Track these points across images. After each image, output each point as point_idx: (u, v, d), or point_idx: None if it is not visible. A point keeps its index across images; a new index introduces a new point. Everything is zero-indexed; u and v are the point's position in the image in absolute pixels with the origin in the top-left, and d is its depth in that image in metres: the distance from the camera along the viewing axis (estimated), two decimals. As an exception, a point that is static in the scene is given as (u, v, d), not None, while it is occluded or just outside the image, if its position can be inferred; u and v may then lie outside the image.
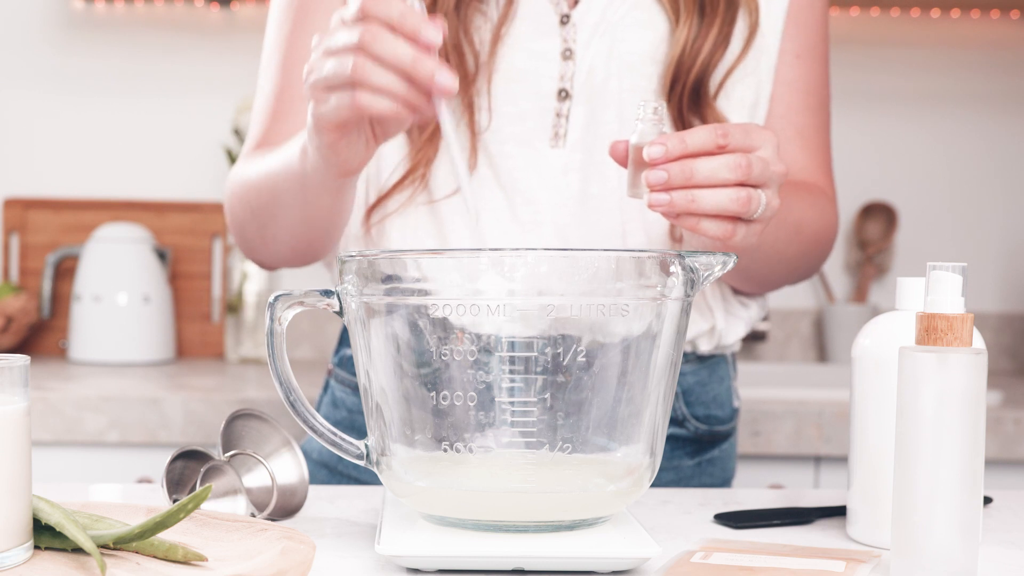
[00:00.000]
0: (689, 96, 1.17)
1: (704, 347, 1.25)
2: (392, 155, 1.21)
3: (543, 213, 1.18)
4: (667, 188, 0.93)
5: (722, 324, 1.24)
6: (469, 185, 0.96)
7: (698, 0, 1.17)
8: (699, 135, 0.93)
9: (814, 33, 1.25)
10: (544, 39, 1.18)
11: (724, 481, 1.32)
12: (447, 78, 0.90)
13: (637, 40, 1.18)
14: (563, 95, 1.18)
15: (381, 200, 1.21)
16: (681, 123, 1.18)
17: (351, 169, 1.02)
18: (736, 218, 0.96)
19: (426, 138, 1.18)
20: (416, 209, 1.20)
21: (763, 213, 0.96)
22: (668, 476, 1.25)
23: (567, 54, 1.18)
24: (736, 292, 1.26)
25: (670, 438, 1.24)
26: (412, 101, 0.91)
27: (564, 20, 1.19)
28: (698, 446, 1.28)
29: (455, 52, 1.16)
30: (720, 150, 0.94)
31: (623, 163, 0.99)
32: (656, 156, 0.93)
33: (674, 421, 1.25)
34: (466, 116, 1.18)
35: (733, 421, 1.32)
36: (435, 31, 0.90)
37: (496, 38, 1.17)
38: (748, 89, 1.21)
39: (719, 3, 1.17)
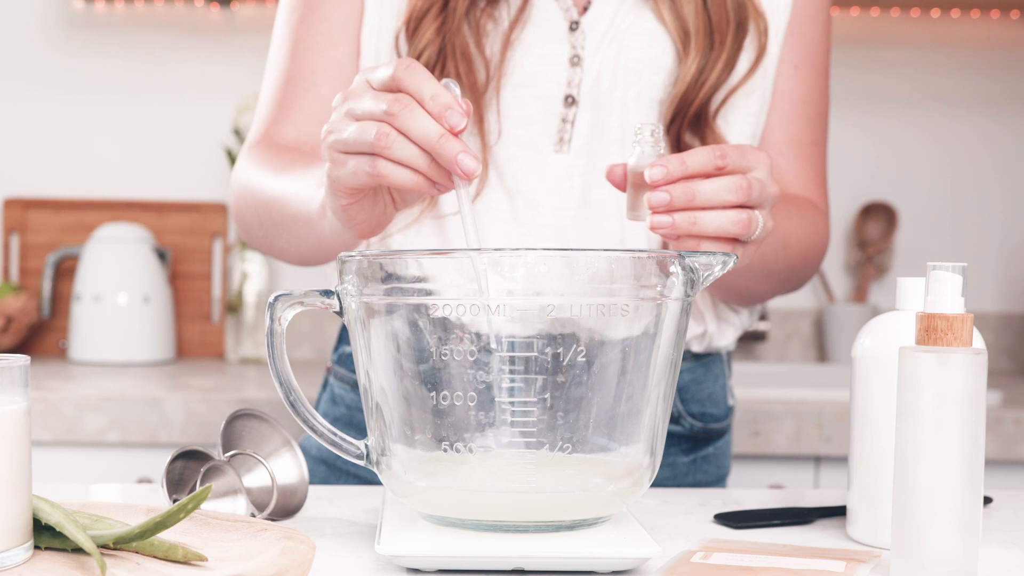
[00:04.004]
0: (691, 118, 1.17)
1: (696, 348, 1.26)
2: None
3: (545, 216, 1.18)
4: (669, 210, 0.93)
5: (713, 328, 1.25)
6: (481, 263, 0.89)
7: (707, 31, 1.17)
8: (698, 156, 0.94)
9: (814, 45, 1.25)
10: (553, 44, 1.18)
11: (719, 478, 1.32)
12: (470, 162, 0.88)
13: (644, 48, 1.18)
14: (569, 101, 1.18)
15: None
16: (678, 142, 1.18)
17: (368, 232, 1.01)
18: (735, 240, 0.96)
19: None
20: (420, 222, 1.21)
21: (759, 234, 0.97)
22: (663, 473, 1.26)
23: (575, 60, 1.18)
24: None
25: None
26: (432, 177, 0.90)
27: (573, 27, 1.19)
28: (693, 443, 1.28)
29: (464, 61, 1.16)
30: (719, 171, 0.94)
31: (621, 187, 0.99)
32: (658, 178, 0.93)
33: (670, 418, 1.26)
34: (476, 128, 1.18)
35: (728, 419, 1.33)
36: (461, 117, 0.88)
37: (507, 43, 1.17)
38: (753, 104, 1.21)
39: (727, 35, 1.17)
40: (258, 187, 1.18)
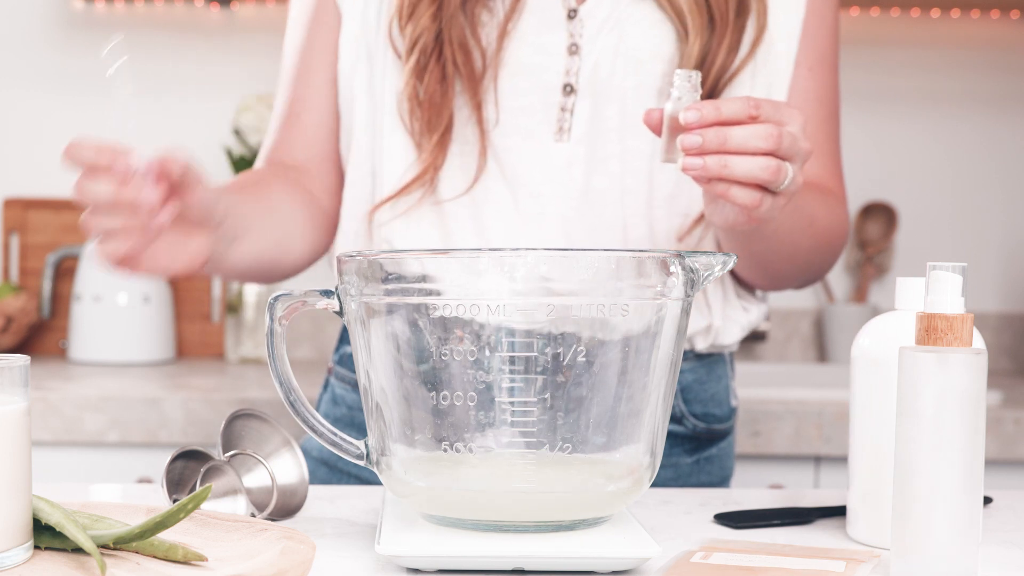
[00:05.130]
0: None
1: (700, 345, 1.25)
2: (399, 157, 1.21)
3: (547, 206, 1.19)
4: (701, 152, 0.96)
5: (719, 323, 1.25)
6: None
7: (707, 13, 1.18)
8: (733, 104, 0.96)
9: (826, 44, 1.26)
10: (550, 33, 1.19)
11: (723, 479, 1.32)
12: (149, 194, 0.94)
13: (644, 37, 1.19)
14: (568, 90, 1.19)
15: (387, 200, 1.21)
16: None
17: (213, 227, 1.05)
18: (764, 188, 0.98)
19: (435, 143, 1.19)
20: (420, 210, 1.21)
21: (788, 186, 0.99)
22: (667, 473, 1.26)
23: (573, 49, 1.19)
24: (739, 295, 1.26)
25: (669, 435, 1.25)
26: (137, 225, 0.95)
27: (571, 15, 1.19)
28: (696, 444, 1.28)
29: (462, 51, 1.17)
30: (752, 120, 0.96)
31: (656, 130, 1.02)
32: (692, 120, 0.95)
33: (673, 418, 1.26)
34: (475, 115, 1.18)
35: (731, 420, 1.33)
36: (123, 157, 0.95)
37: (503, 33, 1.18)
38: (756, 89, 1.21)
39: (728, 14, 1.18)
40: None
